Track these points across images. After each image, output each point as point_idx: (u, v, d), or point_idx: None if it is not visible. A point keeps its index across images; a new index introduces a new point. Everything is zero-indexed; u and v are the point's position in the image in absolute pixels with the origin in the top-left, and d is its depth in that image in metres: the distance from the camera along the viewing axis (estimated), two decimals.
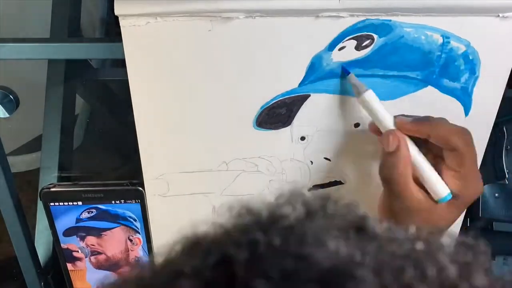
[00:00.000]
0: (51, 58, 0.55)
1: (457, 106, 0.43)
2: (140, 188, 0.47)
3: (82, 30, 0.88)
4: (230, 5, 0.36)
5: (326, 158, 0.45)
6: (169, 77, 0.40)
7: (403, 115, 0.39)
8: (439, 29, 0.39)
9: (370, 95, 0.39)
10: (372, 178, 0.46)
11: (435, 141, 0.37)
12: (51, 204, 0.48)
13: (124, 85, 0.40)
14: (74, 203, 0.48)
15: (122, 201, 0.48)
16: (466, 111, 0.43)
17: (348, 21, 0.38)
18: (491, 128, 0.44)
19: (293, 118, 0.43)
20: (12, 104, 0.45)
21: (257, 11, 0.37)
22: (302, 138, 0.44)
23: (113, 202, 0.48)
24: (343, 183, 0.46)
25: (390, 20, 0.38)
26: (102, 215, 0.49)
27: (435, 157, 0.38)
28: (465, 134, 0.37)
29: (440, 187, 0.37)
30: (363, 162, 0.45)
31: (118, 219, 0.49)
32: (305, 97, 0.41)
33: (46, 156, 0.63)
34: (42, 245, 0.53)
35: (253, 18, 0.37)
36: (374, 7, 0.37)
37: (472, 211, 0.63)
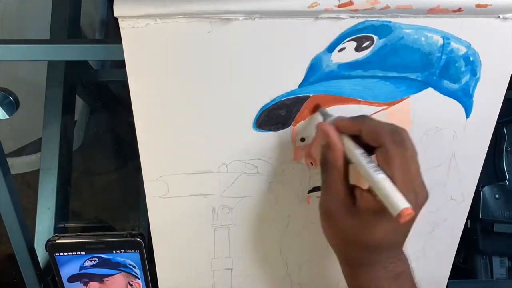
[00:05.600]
0: (51, 59, 0.55)
1: (458, 107, 0.43)
2: (139, 239, 0.51)
3: (82, 32, 0.88)
4: (230, 7, 0.36)
5: None
6: (168, 78, 0.40)
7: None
8: (439, 31, 0.39)
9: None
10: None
11: (365, 137, 0.35)
12: (56, 254, 0.52)
13: (123, 86, 0.40)
14: (77, 253, 0.52)
15: (122, 250, 0.52)
16: (467, 113, 0.43)
17: (348, 23, 0.38)
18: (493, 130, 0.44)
19: (293, 120, 0.43)
20: (12, 106, 0.45)
21: (257, 13, 0.37)
22: (302, 140, 0.44)
23: (114, 251, 0.52)
24: None
25: (390, 22, 0.38)
26: (104, 263, 0.53)
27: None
28: (396, 133, 0.34)
29: (397, 199, 0.32)
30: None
31: (119, 266, 0.53)
32: (305, 99, 0.41)
33: (46, 157, 0.63)
34: (42, 247, 0.53)
35: (253, 19, 0.37)
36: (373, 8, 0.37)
37: (473, 212, 0.63)
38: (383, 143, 0.34)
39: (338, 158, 0.36)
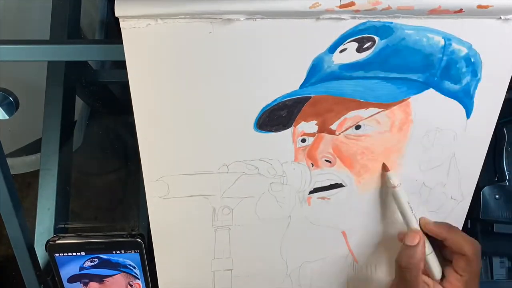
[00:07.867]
0: (51, 59, 0.55)
1: (459, 108, 0.43)
2: (139, 240, 0.51)
3: (82, 32, 0.88)
4: (231, 7, 0.36)
5: (327, 161, 0.45)
6: (169, 79, 0.40)
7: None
8: (441, 32, 0.39)
9: (401, 191, 0.45)
10: (373, 180, 0.46)
11: (449, 244, 0.45)
12: (56, 254, 0.52)
13: (124, 86, 0.40)
14: (77, 253, 0.52)
15: (123, 251, 0.52)
16: (468, 114, 0.43)
17: (349, 23, 0.38)
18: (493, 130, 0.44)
19: (294, 120, 0.42)
20: (12, 106, 0.45)
21: (258, 13, 0.36)
22: (303, 141, 0.44)
23: (114, 252, 0.52)
24: (344, 186, 0.46)
25: (392, 23, 0.38)
26: (104, 264, 0.53)
27: (444, 260, 0.46)
28: (476, 245, 0.44)
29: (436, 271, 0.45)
30: (364, 164, 0.45)
31: (118, 267, 0.53)
32: (306, 99, 0.41)
33: (46, 157, 0.63)
34: (42, 247, 0.53)
35: (254, 20, 0.37)
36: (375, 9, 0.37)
37: (473, 213, 0.63)
38: (467, 254, 0.43)
39: (422, 260, 0.44)
